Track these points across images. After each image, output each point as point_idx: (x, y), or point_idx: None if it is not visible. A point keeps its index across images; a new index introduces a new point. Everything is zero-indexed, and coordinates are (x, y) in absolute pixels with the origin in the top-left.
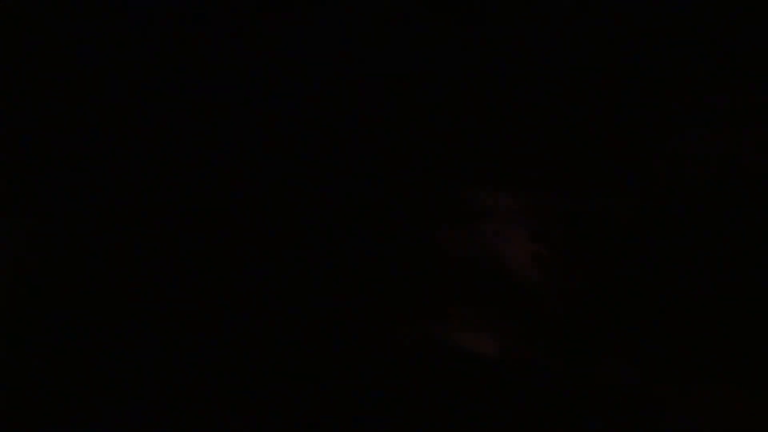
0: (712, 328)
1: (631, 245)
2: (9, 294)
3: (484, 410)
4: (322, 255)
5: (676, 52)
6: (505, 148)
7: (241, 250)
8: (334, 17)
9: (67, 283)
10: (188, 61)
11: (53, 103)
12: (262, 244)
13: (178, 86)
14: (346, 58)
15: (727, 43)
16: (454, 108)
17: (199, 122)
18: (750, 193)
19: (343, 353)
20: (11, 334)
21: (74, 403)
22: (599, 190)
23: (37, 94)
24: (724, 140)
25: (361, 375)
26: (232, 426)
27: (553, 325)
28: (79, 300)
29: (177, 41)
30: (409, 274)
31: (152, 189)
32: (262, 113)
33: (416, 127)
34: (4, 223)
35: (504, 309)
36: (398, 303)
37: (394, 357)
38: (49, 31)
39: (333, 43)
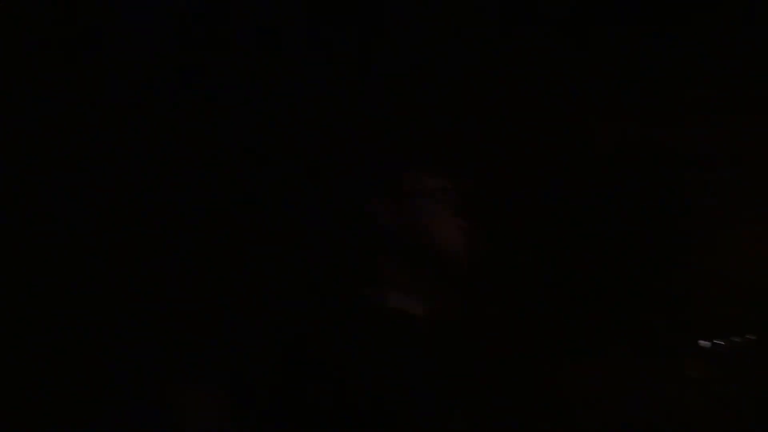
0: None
1: (546, 223)
2: (9, 294)
3: (409, 365)
4: (262, 222)
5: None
6: (436, 138)
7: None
8: None
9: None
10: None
11: (53, 103)
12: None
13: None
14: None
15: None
16: (397, 101)
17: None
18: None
19: (278, 313)
20: (11, 334)
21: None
22: (518, 174)
23: (37, 94)
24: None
25: (298, 332)
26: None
27: (473, 287)
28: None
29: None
30: (345, 241)
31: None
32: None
33: (361, 118)
34: (5, 222)
35: (430, 273)
36: (333, 267)
37: (330, 316)
38: (49, 31)
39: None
